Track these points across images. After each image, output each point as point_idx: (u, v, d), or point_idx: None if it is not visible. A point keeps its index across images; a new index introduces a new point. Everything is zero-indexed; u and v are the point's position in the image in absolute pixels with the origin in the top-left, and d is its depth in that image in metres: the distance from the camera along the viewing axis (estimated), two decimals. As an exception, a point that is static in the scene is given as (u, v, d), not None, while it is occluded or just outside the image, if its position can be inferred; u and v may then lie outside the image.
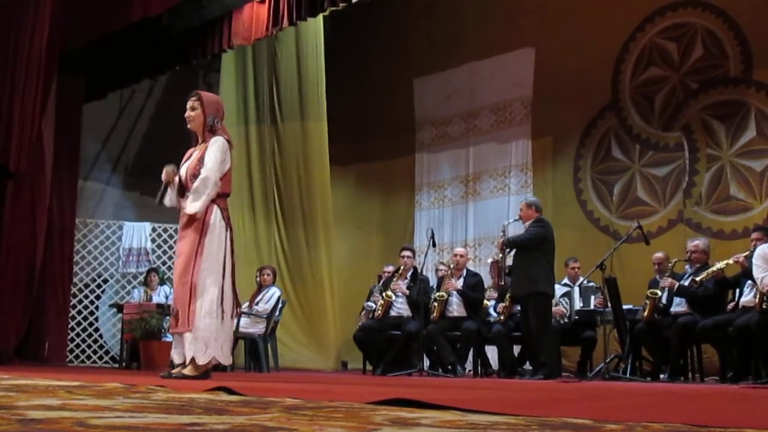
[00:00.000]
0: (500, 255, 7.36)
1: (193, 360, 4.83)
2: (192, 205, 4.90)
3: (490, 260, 7.80)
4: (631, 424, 1.85)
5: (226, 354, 4.97)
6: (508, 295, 7.96)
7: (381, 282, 8.75)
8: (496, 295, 8.34)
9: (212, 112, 5.05)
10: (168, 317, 7.02)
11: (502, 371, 8.08)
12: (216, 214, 4.95)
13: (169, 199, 5.15)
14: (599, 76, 9.40)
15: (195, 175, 4.93)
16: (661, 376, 7.04)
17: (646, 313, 7.22)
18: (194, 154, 5.09)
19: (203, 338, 4.82)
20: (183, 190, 5.04)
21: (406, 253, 8.59)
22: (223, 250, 4.95)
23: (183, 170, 5.04)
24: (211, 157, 4.94)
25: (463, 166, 10.75)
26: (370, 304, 8.72)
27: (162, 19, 8.79)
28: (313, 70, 10.65)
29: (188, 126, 5.10)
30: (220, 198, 5.01)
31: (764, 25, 8.21)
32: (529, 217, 7.36)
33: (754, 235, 6.87)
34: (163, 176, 5.10)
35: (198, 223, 4.91)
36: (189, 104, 5.10)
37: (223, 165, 4.97)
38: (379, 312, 8.41)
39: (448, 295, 8.25)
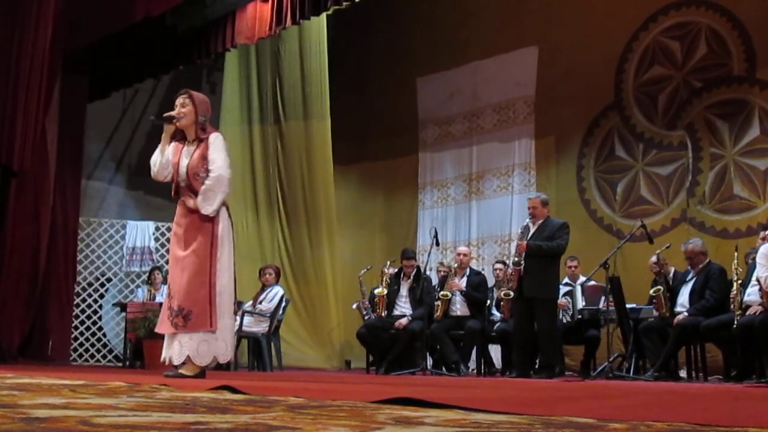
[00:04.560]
0: (520, 261, 7.16)
1: (190, 359, 4.81)
2: (207, 205, 4.83)
3: (510, 269, 7.66)
4: (635, 423, 1.85)
5: (232, 351, 5.03)
6: (503, 293, 7.95)
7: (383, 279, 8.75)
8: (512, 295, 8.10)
9: (203, 111, 5.02)
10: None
11: (506, 370, 8.09)
12: (223, 212, 4.94)
13: (159, 156, 5.05)
14: (602, 75, 9.39)
15: (198, 174, 4.87)
16: (646, 374, 7.03)
17: (661, 310, 7.18)
18: (190, 150, 4.97)
19: (222, 338, 4.83)
20: (178, 189, 5.01)
21: (408, 262, 8.59)
22: (232, 248, 4.96)
23: (183, 168, 4.94)
24: (220, 155, 4.91)
25: (466, 165, 10.74)
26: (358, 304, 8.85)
27: (165, 19, 8.80)
28: (316, 69, 10.65)
29: (178, 124, 5.04)
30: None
31: (768, 23, 8.21)
32: (543, 215, 7.31)
33: (763, 234, 6.83)
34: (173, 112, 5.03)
35: (208, 222, 4.88)
36: (179, 101, 5.04)
37: (228, 161, 4.97)
38: (379, 311, 8.47)
39: (452, 294, 8.26)
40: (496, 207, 10.29)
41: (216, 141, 4.96)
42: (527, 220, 7.42)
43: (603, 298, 7.77)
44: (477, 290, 8.34)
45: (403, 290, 8.56)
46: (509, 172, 10.24)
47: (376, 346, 8.46)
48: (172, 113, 5.01)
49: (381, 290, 8.50)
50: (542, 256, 7.11)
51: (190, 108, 5.01)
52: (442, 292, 8.27)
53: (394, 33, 11.52)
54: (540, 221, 7.28)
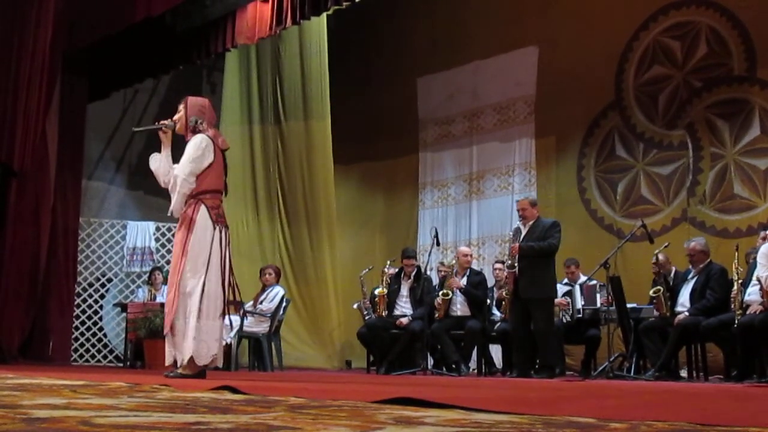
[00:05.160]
0: (514, 264, 7.21)
1: (189, 359, 4.82)
2: (171, 205, 4.93)
3: (505, 272, 7.68)
4: (635, 423, 1.85)
5: (212, 354, 4.87)
6: (504, 292, 7.96)
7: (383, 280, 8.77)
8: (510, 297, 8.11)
9: (194, 113, 5.05)
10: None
11: (506, 370, 8.09)
12: (202, 213, 4.89)
13: (156, 160, 5.08)
14: (603, 74, 9.38)
15: None
16: (647, 374, 7.04)
17: (662, 311, 7.18)
18: None
19: (191, 338, 4.80)
20: None
21: (409, 261, 8.61)
22: (207, 249, 4.87)
23: None
24: (186, 155, 4.94)
25: (466, 165, 10.74)
26: (363, 304, 8.85)
27: (165, 19, 8.79)
28: (316, 69, 10.65)
29: (176, 130, 5.11)
30: (208, 196, 4.95)
31: (768, 22, 8.21)
32: (533, 216, 7.36)
33: (763, 233, 6.84)
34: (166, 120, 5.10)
35: (186, 223, 4.89)
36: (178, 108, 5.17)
37: (200, 161, 4.92)
38: (380, 310, 8.48)
39: (452, 294, 8.26)
40: (496, 207, 10.29)
41: (190, 142, 4.99)
42: (518, 222, 7.46)
43: (598, 294, 7.80)
44: (477, 290, 8.33)
45: (404, 290, 8.57)
46: (509, 172, 10.24)
47: (376, 346, 8.47)
48: (164, 122, 5.07)
49: (381, 290, 8.52)
50: (535, 256, 7.15)
51: (181, 114, 5.08)
52: (443, 291, 8.27)
53: (395, 33, 11.51)
54: (531, 222, 7.33)
